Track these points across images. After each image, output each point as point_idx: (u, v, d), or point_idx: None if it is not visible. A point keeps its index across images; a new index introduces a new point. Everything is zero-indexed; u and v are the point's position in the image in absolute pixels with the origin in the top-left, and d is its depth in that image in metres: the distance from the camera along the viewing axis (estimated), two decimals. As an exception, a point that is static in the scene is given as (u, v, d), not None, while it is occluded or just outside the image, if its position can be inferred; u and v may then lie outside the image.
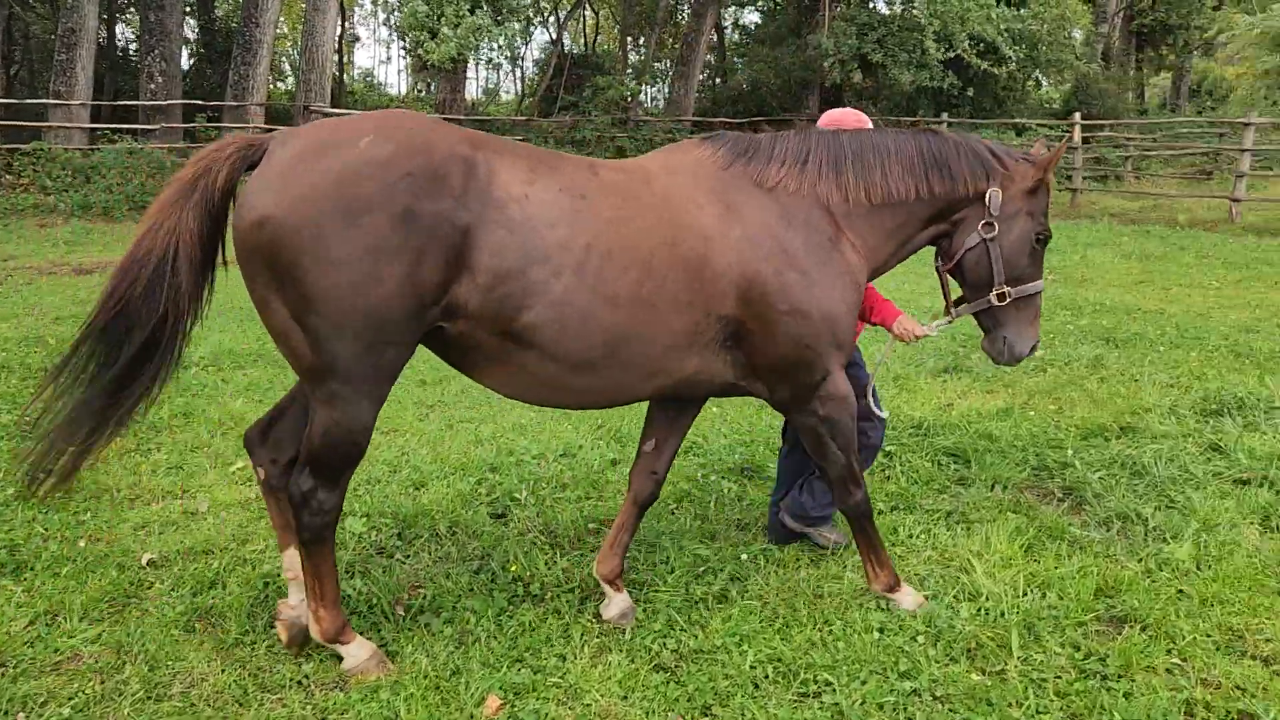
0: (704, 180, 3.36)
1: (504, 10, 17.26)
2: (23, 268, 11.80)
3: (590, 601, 3.76)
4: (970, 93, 24.57)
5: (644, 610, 3.68)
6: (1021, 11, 23.84)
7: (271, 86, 26.87)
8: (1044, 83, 30.72)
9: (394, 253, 2.80)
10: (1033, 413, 6.16)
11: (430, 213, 2.84)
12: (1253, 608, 3.72)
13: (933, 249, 3.82)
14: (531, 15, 28.31)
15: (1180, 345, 8.00)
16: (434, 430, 5.85)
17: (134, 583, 3.89)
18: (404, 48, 28.95)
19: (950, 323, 3.86)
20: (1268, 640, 3.49)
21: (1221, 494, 4.77)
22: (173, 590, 3.83)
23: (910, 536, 4.37)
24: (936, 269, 3.81)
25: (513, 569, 3.94)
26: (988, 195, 3.57)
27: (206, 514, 4.62)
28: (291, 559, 3.40)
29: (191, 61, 26.90)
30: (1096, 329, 8.56)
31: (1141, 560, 4.13)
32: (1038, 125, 24.24)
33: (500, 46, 18.99)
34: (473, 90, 44.34)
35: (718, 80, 30.86)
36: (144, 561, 4.07)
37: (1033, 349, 3.73)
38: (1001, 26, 22.39)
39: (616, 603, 3.67)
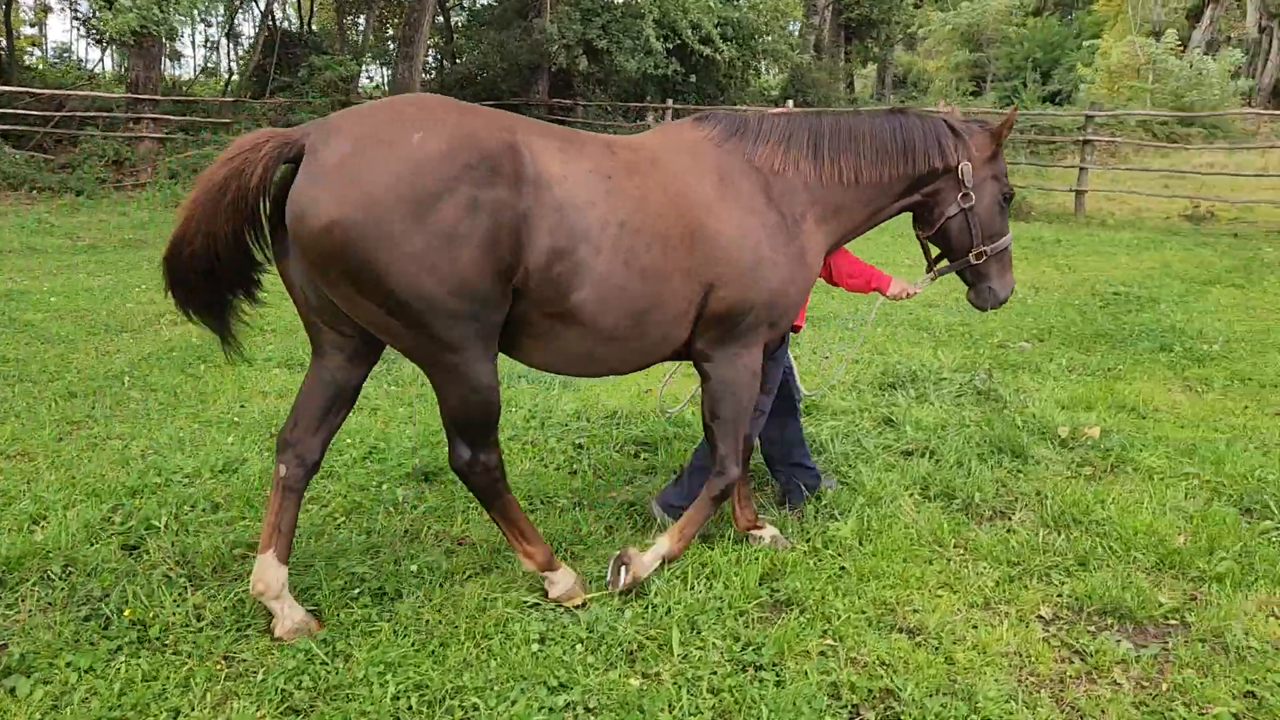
0: (702, 157, 3.57)
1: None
2: None
3: (226, 638, 3.32)
4: (694, 79, 25.26)
5: (281, 647, 3.29)
6: (739, 2, 24.76)
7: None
8: (763, 71, 32.17)
9: (466, 238, 2.92)
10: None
11: (491, 199, 2.96)
12: (905, 579, 3.83)
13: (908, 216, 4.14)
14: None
15: (872, 321, 8.42)
16: (72, 451, 5.12)
17: None
18: (77, 17, 26.17)
19: (933, 279, 4.25)
20: (915, 611, 3.59)
21: (888, 466, 4.96)
22: None
23: (590, 534, 4.22)
24: (918, 235, 4.17)
25: (128, 613, 3.43)
26: (960, 169, 3.90)
27: None
28: (263, 565, 3.36)
29: None
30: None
31: (809, 539, 4.18)
32: (756, 111, 25.27)
33: (196, 18, 17.45)
34: (190, 69, 41.07)
35: (446, 63, 30.07)
36: None
37: (1010, 293, 4.16)
38: (718, 17, 23.15)
39: None
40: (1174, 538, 4.15)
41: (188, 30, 36.19)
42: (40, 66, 28.79)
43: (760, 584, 3.74)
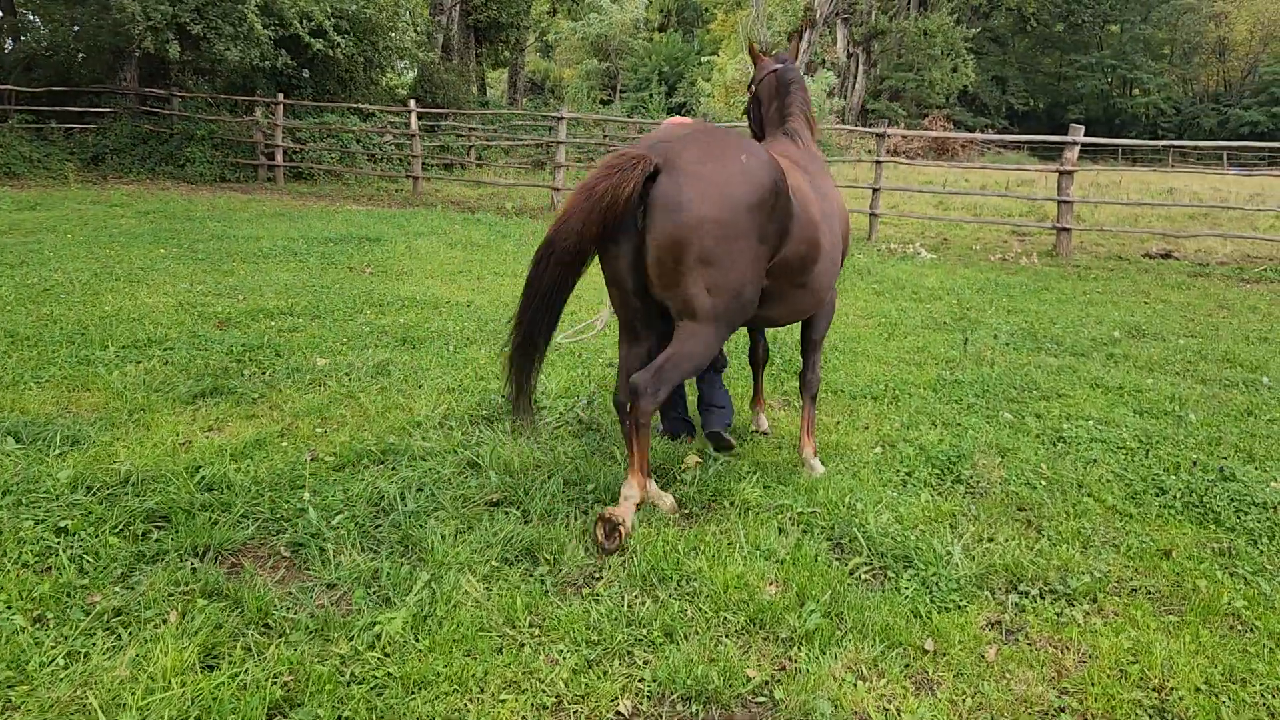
0: (813, 159, 5.07)
1: None
2: None
3: None
4: (309, 75, 23.46)
5: None
6: (356, -5, 23.28)
7: None
8: (393, 71, 30.79)
9: (766, 237, 4.13)
10: (287, 443, 5.21)
11: (782, 207, 4.17)
12: (464, 682, 3.10)
13: None
14: None
15: (476, 342, 7.71)
16: None
17: None
18: None
19: None
20: (466, 735, 2.86)
21: (466, 525, 4.22)
22: None
23: (44, 665, 3.08)
24: None
25: None
26: None
27: None
28: (639, 481, 4.28)
29: None
30: (396, 329, 7.98)
31: (353, 640, 3.33)
32: (381, 111, 24.01)
33: None
34: None
35: (9, 40, 25.74)
36: None
37: None
38: (332, 8, 21.58)
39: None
40: (764, 589, 3.76)
41: None
42: None
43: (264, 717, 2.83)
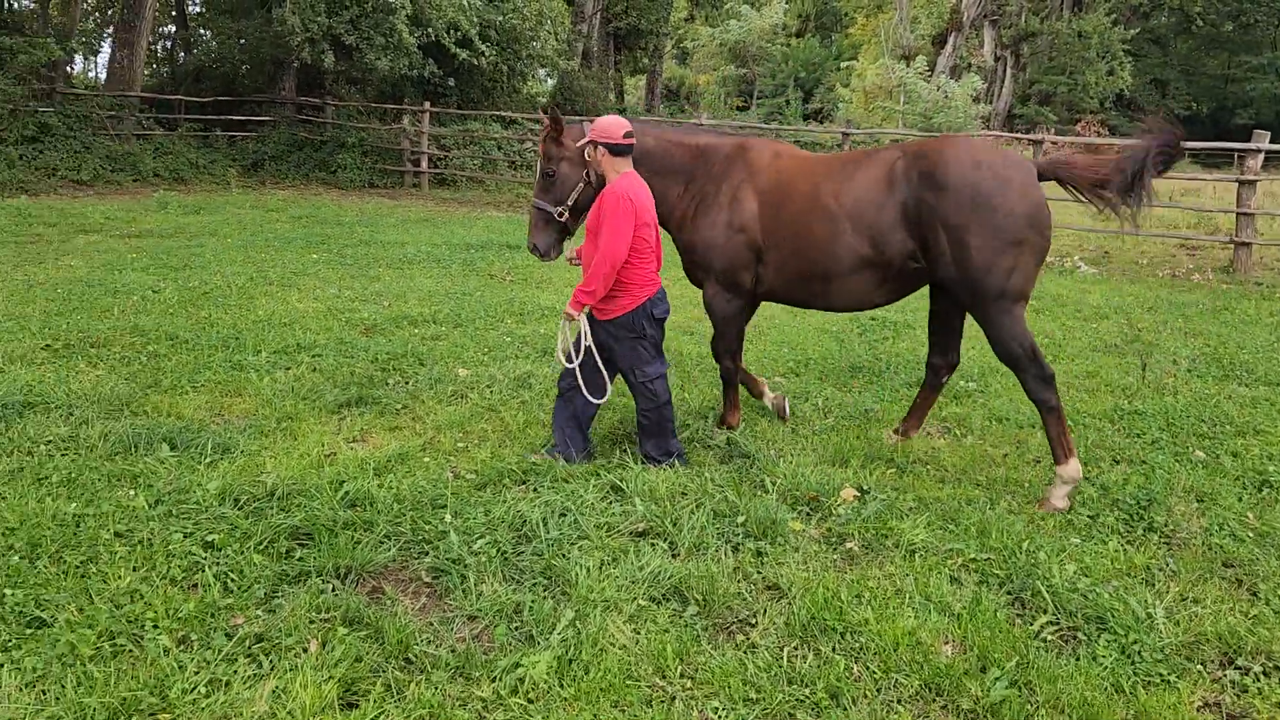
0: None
1: None
2: None
3: None
4: (454, 83, 23.89)
5: None
6: (500, 5, 23.61)
7: None
8: (533, 78, 31.20)
9: None
10: (429, 458, 5.10)
11: None
12: (613, 741, 2.86)
13: None
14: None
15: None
16: None
17: None
18: None
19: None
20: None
21: (611, 557, 3.99)
22: None
23: (186, 692, 2.99)
24: None
25: None
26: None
27: None
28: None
29: None
30: (536, 339, 7.87)
31: (495, 681, 3.14)
32: (523, 118, 24.29)
33: None
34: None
35: (181, 53, 27.22)
36: None
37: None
38: (479, 18, 21.91)
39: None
40: (939, 648, 3.40)
41: None
42: None
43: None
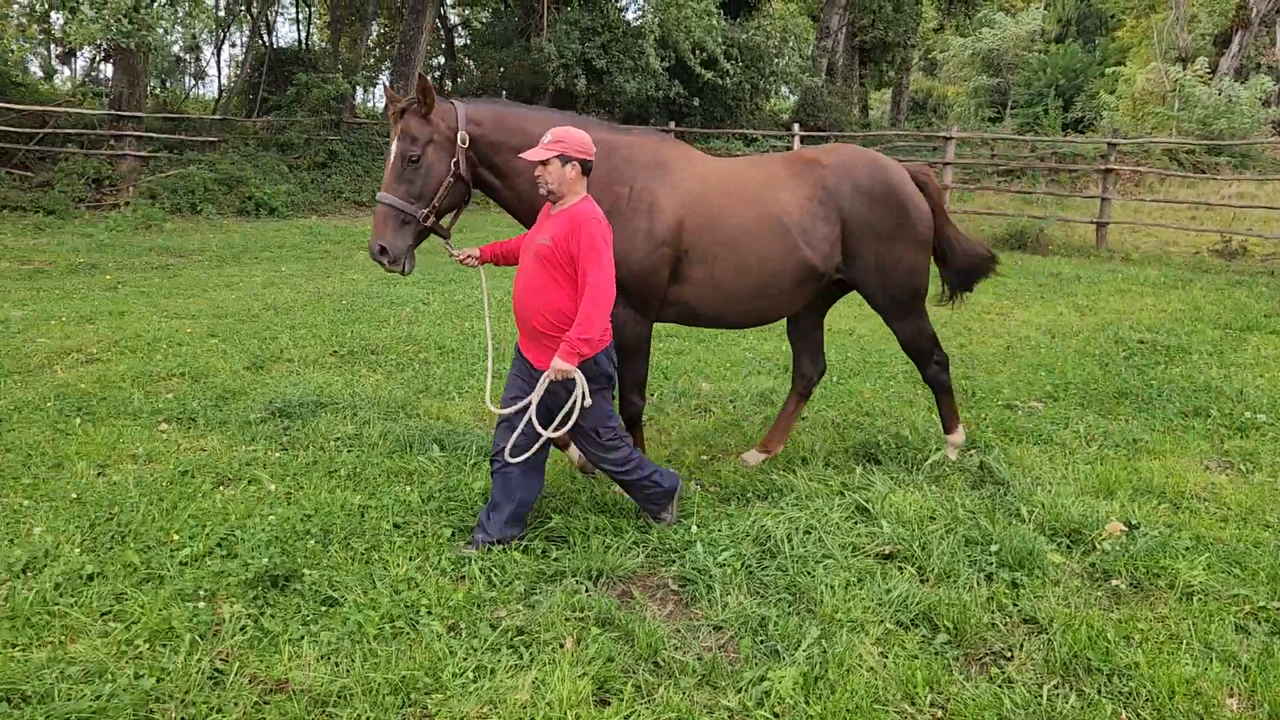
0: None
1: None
2: None
3: None
4: (698, 102, 24.38)
5: None
6: (745, 24, 23.89)
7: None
8: (776, 95, 31.30)
9: None
10: (676, 466, 5.23)
11: None
12: (860, 764, 2.83)
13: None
14: (233, 3, 25.74)
15: (859, 373, 7.42)
16: None
17: None
18: (44, 31, 25.54)
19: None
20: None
21: (857, 578, 3.95)
22: None
23: (456, 676, 3.23)
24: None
25: None
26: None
27: None
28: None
29: None
30: (779, 355, 7.89)
31: (741, 691, 3.18)
32: (764, 136, 24.42)
33: (179, 35, 16.71)
34: (212, 88, 40.31)
35: (449, 82, 29.32)
36: None
37: None
38: (724, 38, 22.26)
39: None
40: (1223, 701, 3.12)
41: (210, 48, 35.63)
42: (29, 81, 28.17)
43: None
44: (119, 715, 2.92)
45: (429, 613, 3.61)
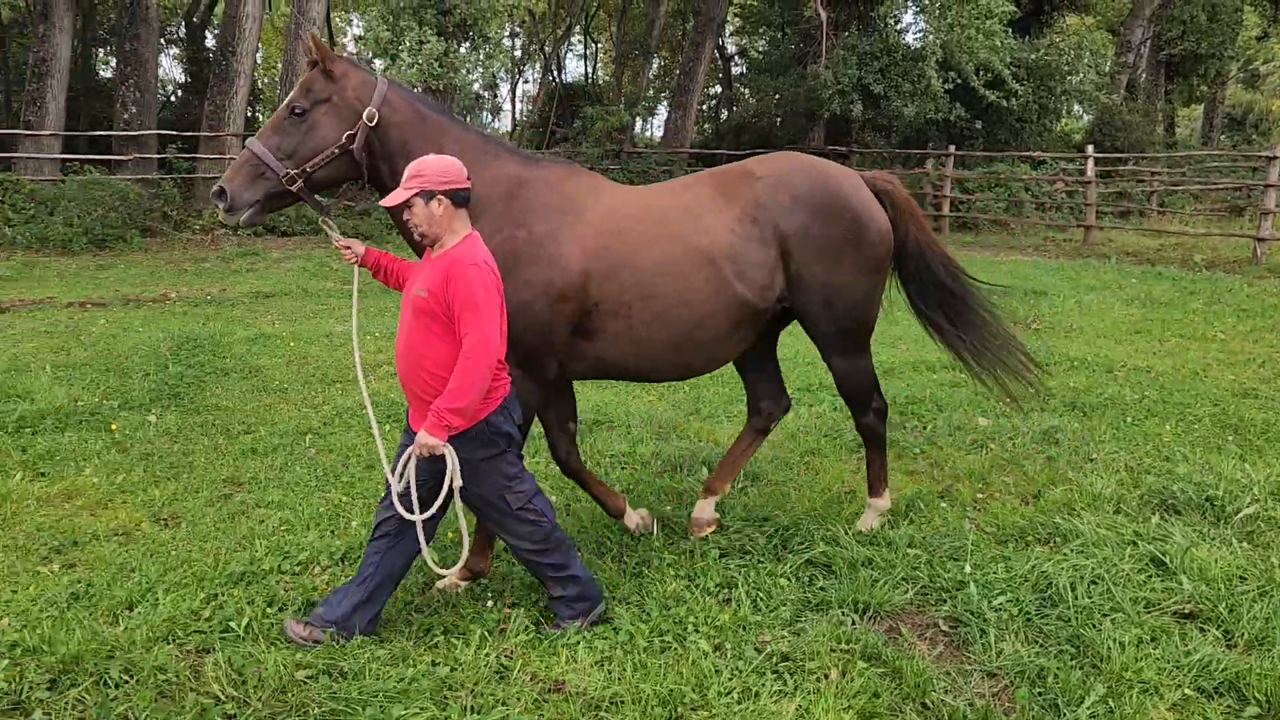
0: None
1: (477, 39, 16.50)
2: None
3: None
4: (980, 125, 23.40)
5: None
6: (1035, 41, 22.73)
7: (261, 117, 26.35)
8: (1062, 115, 29.48)
9: None
10: (946, 505, 5.06)
11: None
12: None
13: None
14: (527, 44, 27.65)
15: (1157, 414, 6.84)
16: (214, 520, 4.87)
17: None
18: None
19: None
20: None
21: (1152, 635, 3.65)
22: None
23: (721, 694, 3.30)
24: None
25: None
26: None
27: None
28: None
29: (178, 93, 26.49)
30: (1064, 392, 7.42)
31: (1016, 745, 3.04)
32: (1053, 158, 23.07)
33: (479, 75, 18.22)
34: (507, 124, 43.53)
35: (724, 110, 29.99)
36: None
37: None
38: (1008, 58, 21.27)
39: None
40: None
41: (507, 86, 38.62)
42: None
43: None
44: (419, 698, 3.23)
45: (696, 630, 3.71)
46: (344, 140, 3.81)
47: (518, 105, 38.25)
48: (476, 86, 23.75)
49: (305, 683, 3.33)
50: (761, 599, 3.98)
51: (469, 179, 3.56)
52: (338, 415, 6.77)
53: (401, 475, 3.55)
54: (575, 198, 4.07)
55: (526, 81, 38.79)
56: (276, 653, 3.51)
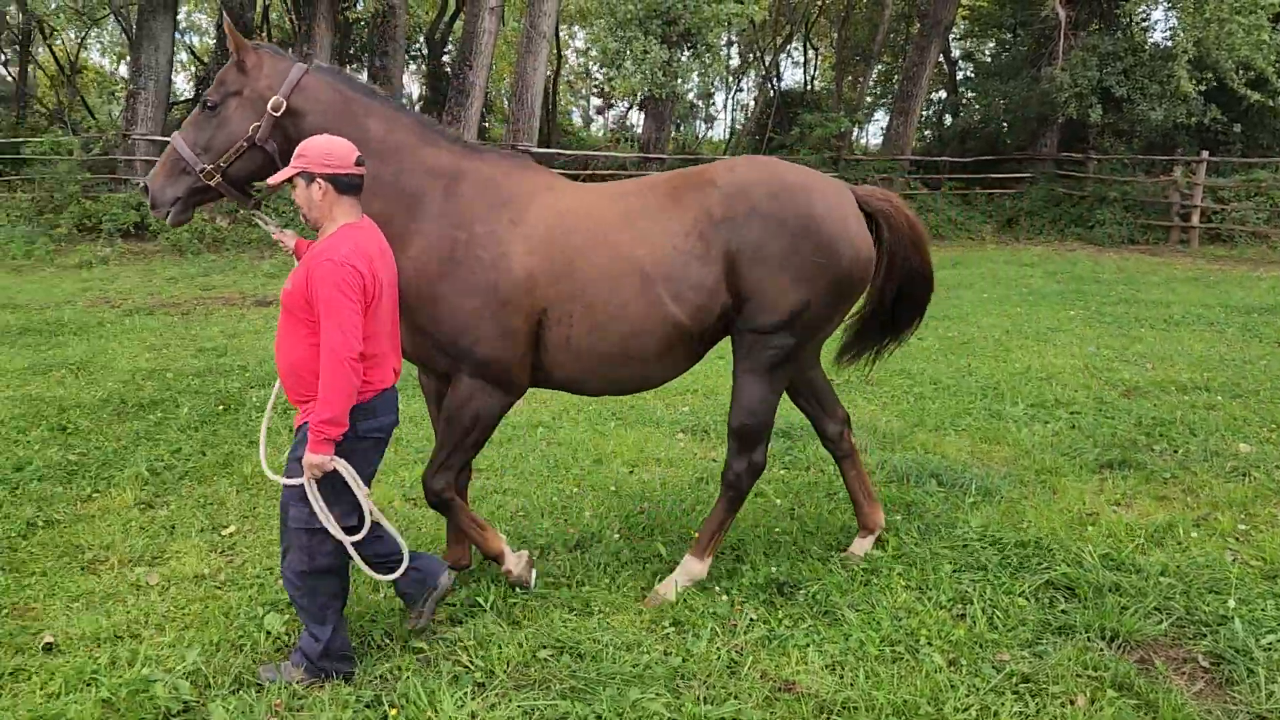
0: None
1: (699, 46, 16.72)
2: (217, 299, 12.34)
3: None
4: (1239, 128, 21.46)
5: None
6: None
7: (494, 127, 27.74)
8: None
9: None
10: (1200, 534, 4.69)
11: None
12: None
13: None
14: (745, 52, 27.75)
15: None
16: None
17: (13, 671, 3.45)
18: (596, 86, 29.26)
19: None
20: None
21: None
22: (40, 687, 3.34)
23: (959, 710, 3.21)
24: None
25: None
26: None
27: (152, 589, 4.15)
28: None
29: (419, 105, 28.27)
30: (1341, 420, 6.72)
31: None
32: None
33: (705, 84, 18.46)
34: (720, 132, 44.03)
35: (947, 117, 28.94)
36: (41, 645, 3.62)
37: None
38: (1274, 55, 19.40)
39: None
40: None
41: (721, 96, 39.08)
42: (574, 129, 32.62)
43: None
44: (654, 683, 3.32)
45: (929, 643, 3.62)
46: (253, 135, 3.67)
47: (734, 114, 38.51)
48: (691, 95, 24.12)
49: (547, 660, 3.50)
50: (998, 617, 3.83)
51: (404, 166, 3.65)
52: (565, 411, 7.04)
53: (317, 502, 3.25)
54: (518, 195, 3.83)
55: (740, 90, 39.00)
56: (518, 631, 3.70)
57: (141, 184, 3.77)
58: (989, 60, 27.67)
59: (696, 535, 4.20)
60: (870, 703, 3.23)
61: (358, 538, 3.31)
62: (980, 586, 4.06)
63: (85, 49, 32.42)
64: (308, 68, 3.74)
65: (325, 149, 3.28)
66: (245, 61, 3.70)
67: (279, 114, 3.65)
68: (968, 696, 3.28)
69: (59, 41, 30.11)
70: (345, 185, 3.29)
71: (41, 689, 3.33)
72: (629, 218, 3.84)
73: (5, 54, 26.85)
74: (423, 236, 3.68)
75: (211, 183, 3.69)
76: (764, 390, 3.94)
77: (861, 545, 4.47)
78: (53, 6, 20.85)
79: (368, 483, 3.37)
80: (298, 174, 3.27)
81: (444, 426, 3.85)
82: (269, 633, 3.68)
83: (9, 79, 28.78)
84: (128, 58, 25.67)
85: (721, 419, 6.80)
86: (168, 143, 3.78)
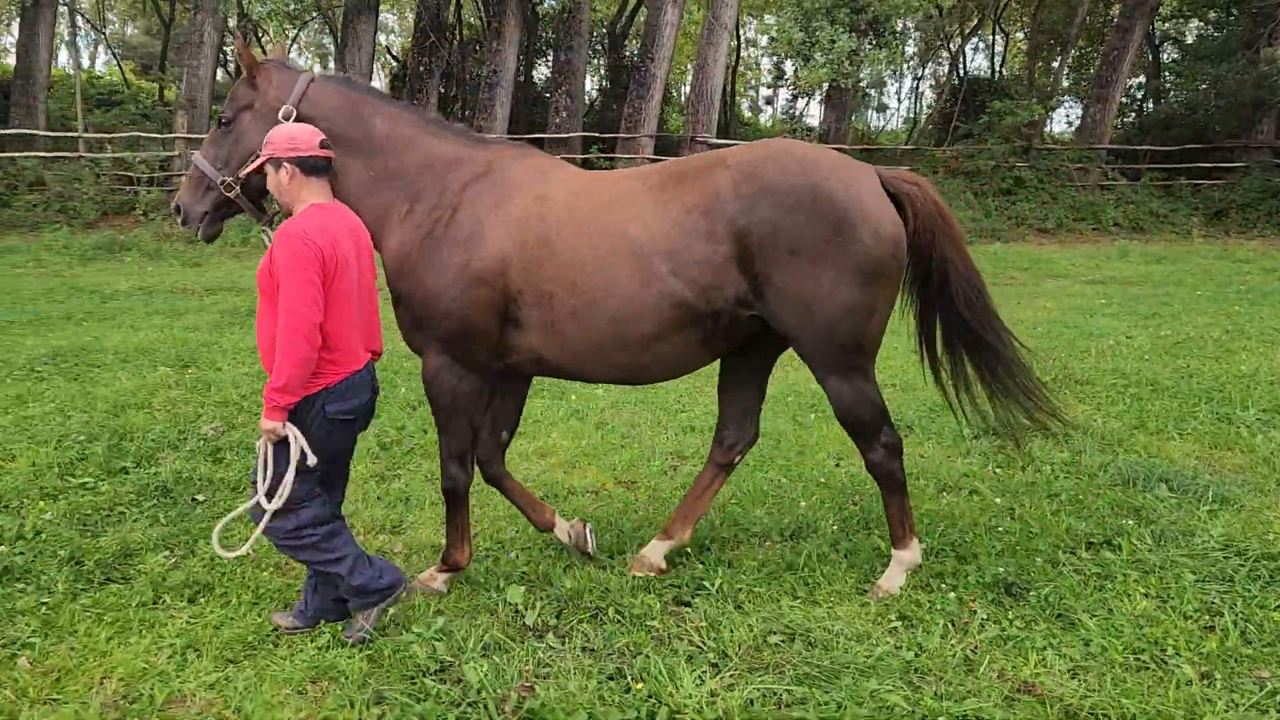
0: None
1: (886, 34, 16.37)
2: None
3: None
4: None
5: None
6: None
7: (670, 119, 27.96)
8: None
9: None
10: None
11: None
12: None
13: None
14: (931, 39, 26.92)
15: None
16: (670, 488, 5.29)
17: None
18: (779, 77, 28.92)
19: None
20: None
21: None
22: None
23: (1214, 726, 3.07)
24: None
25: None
26: None
27: (396, 556, 4.45)
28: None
29: (599, 97, 28.79)
30: None
31: None
32: None
33: (878, 71, 18.04)
34: (895, 122, 43.06)
35: (1147, 104, 27.21)
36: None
37: None
38: None
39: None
40: None
41: (894, 85, 38.19)
42: (752, 122, 32.45)
43: None
44: (889, 675, 3.32)
45: (1177, 654, 3.47)
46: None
47: (916, 102, 37.45)
48: (865, 84, 23.61)
49: (779, 645, 3.55)
50: (1252, 631, 3.63)
51: (408, 157, 3.87)
52: (769, 401, 7.06)
53: (266, 465, 3.43)
54: (510, 181, 3.89)
55: (920, 78, 37.89)
56: (745, 616, 3.77)
57: (174, 203, 4.02)
58: (1198, 42, 25.83)
59: (891, 533, 4.14)
60: (1121, 711, 3.12)
61: (275, 505, 3.40)
62: (1229, 598, 3.86)
63: (298, 50, 34.59)
64: (314, 77, 3.96)
65: (289, 135, 3.52)
66: (255, 76, 3.93)
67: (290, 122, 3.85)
68: (1227, 712, 3.13)
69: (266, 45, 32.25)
70: (311, 167, 3.51)
71: (312, 642, 3.62)
72: (620, 199, 3.84)
73: (224, 54, 28.95)
74: (414, 217, 3.86)
75: (232, 195, 3.92)
76: (849, 387, 3.85)
77: (656, 549, 4.24)
78: (266, 10, 22.31)
79: (342, 462, 3.72)
80: (267, 161, 3.52)
81: (433, 411, 3.99)
82: (510, 603, 3.87)
83: (219, 79, 31.07)
84: (331, 57, 27.22)
85: (924, 415, 6.68)
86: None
